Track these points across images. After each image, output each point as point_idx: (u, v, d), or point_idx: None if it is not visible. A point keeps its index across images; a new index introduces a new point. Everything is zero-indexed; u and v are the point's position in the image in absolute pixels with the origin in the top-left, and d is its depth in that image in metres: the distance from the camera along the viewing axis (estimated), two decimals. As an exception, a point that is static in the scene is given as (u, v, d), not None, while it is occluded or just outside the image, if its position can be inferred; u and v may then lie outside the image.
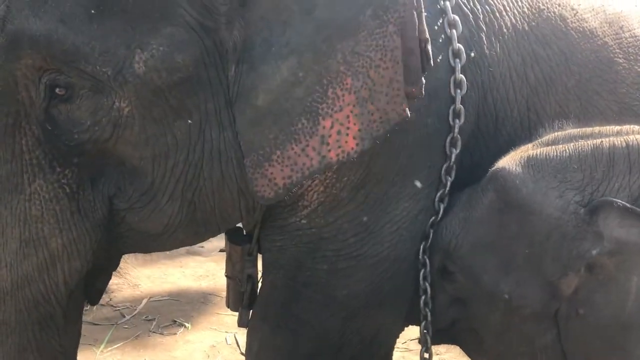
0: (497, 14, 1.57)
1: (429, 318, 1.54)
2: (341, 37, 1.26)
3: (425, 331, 1.56)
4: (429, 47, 1.33)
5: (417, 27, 1.29)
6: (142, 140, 1.30)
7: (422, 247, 1.53)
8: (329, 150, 1.29)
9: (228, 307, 1.79)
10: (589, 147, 1.39)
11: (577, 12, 1.65)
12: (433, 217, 1.53)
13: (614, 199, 1.32)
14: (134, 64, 1.25)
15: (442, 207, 1.53)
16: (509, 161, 1.44)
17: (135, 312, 3.29)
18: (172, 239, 1.44)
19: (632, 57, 1.66)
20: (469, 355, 1.69)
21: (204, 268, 3.93)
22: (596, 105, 1.63)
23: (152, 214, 1.37)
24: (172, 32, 1.26)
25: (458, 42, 1.48)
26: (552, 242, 1.36)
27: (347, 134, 1.29)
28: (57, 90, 1.27)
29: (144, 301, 3.41)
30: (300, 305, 1.54)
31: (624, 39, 1.67)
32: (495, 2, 1.57)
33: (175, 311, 3.36)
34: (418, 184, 1.50)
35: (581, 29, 1.63)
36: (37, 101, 1.27)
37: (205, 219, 1.42)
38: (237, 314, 3.26)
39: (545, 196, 1.36)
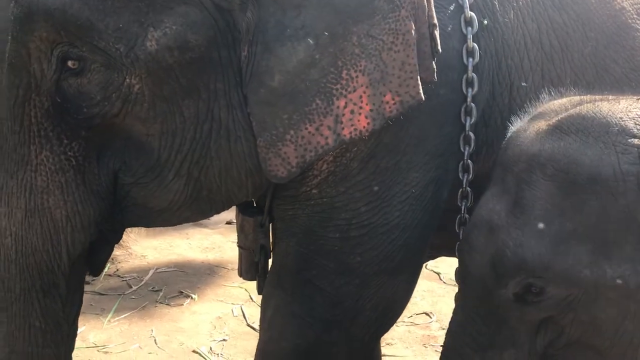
0: None
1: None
2: (357, 21, 1.29)
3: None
4: (437, 32, 1.36)
5: (427, 11, 1.32)
6: (151, 117, 1.32)
7: (457, 220, 1.56)
8: (343, 129, 1.33)
9: (240, 277, 1.81)
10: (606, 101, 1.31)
11: None
12: (460, 189, 1.54)
13: None
14: (147, 41, 1.26)
15: (466, 177, 1.53)
16: (535, 140, 1.29)
17: (142, 282, 3.31)
18: (176, 215, 1.46)
19: None
20: None
21: (209, 240, 3.95)
22: (612, 73, 1.60)
23: (157, 189, 1.38)
24: (186, 11, 1.27)
25: (470, 10, 1.46)
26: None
27: (360, 114, 1.32)
28: (68, 63, 1.28)
29: (151, 272, 3.44)
30: (314, 272, 1.55)
31: None
32: None
33: (181, 282, 3.38)
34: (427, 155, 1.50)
35: None
36: (48, 74, 1.29)
37: (210, 197, 1.43)
38: (243, 285, 3.32)
39: (610, 156, 1.21)
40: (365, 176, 1.45)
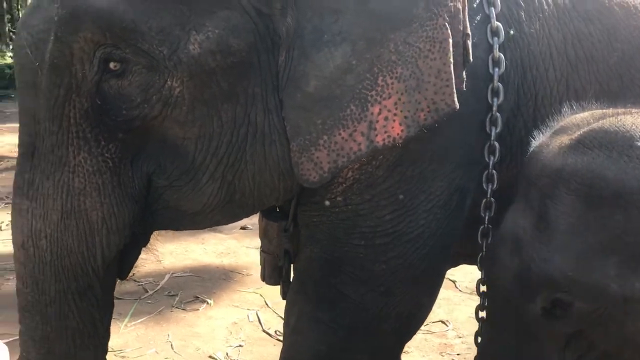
0: None
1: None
2: (394, 28, 1.29)
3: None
4: (469, 42, 1.36)
5: (462, 21, 1.32)
6: (189, 121, 1.31)
7: (480, 231, 1.54)
8: (376, 135, 1.32)
9: (263, 281, 1.81)
10: (624, 115, 1.30)
11: None
12: (484, 199, 1.53)
13: None
14: (189, 45, 1.26)
15: (490, 187, 1.52)
16: (560, 155, 1.28)
17: (158, 287, 3.33)
18: (208, 218, 1.46)
19: None
20: None
21: (224, 245, 3.96)
22: (637, 83, 1.59)
23: (191, 192, 1.38)
24: (228, 15, 1.28)
25: (497, 20, 1.46)
26: None
27: (394, 120, 1.32)
28: (110, 64, 1.28)
29: (167, 277, 3.46)
30: (339, 279, 1.54)
31: None
32: None
33: (197, 287, 3.39)
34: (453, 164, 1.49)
35: (625, 5, 1.60)
36: (89, 75, 1.28)
37: (243, 200, 1.43)
38: (258, 291, 3.31)
39: (635, 169, 1.20)
40: (390, 184, 1.45)
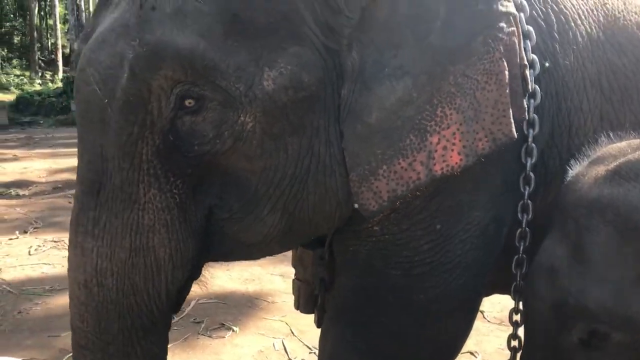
0: (572, 23, 1.56)
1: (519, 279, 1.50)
2: (454, 61, 1.31)
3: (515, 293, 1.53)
4: (527, 72, 1.38)
5: (518, 53, 1.35)
6: (257, 154, 1.32)
7: (514, 261, 1.54)
8: (435, 164, 1.34)
9: (297, 309, 1.81)
10: None
11: None
12: (519, 229, 1.53)
13: None
14: (264, 81, 1.28)
15: (525, 217, 1.53)
16: (595, 185, 1.30)
17: (184, 314, 3.34)
18: (265, 249, 1.46)
19: None
20: None
21: (249, 272, 3.97)
22: None
23: (252, 224, 1.38)
24: (299, 51, 1.29)
25: (532, 52, 1.47)
26: None
27: (453, 150, 1.33)
28: (186, 101, 1.28)
29: (192, 303, 3.46)
30: (376, 308, 1.54)
31: None
32: (570, 11, 1.57)
33: (222, 314, 3.40)
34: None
35: None
36: (165, 112, 1.28)
37: (301, 229, 1.44)
38: (284, 319, 3.30)
39: None
40: (427, 214, 1.45)
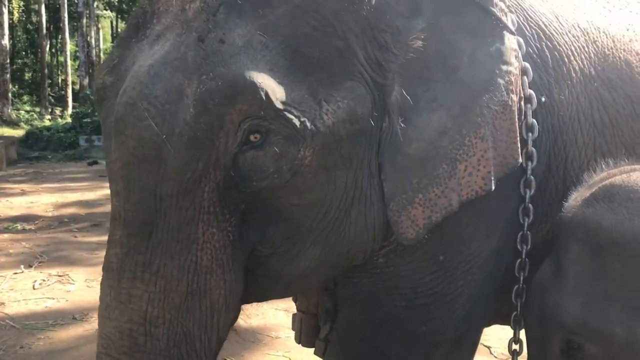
0: (566, 59, 1.62)
1: (519, 309, 1.55)
2: (480, 94, 1.40)
3: (515, 323, 1.57)
4: (525, 104, 1.48)
5: (519, 86, 1.45)
6: (308, 188, 1.31)
7: (514, 291, 1.57)
8: (462, 190, 1.40)
9: (298, 343, 1.79)
10: None
11: None
12: (519, 260, 1.56)
13: None
14: (323, 115, 1.28)
15: (525, 248, 1.55)
16: (575, 207, 1.41)
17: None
18: (303, 284, 1.44)
19: None
20: None
21: (253, 306, 3.92)
22: None
23: (294, 258, 1.35)
24: (353, 86, 1.32)
25: (529, 88, 1.51)
26: None
27: (477, 176, 1.40)
28: (252, 136, 1.25)
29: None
30: (379, 340, 1.53)
31: None
32: (564, 48, 1.62)
33: (226, 349, 3.35)
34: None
35: None
36: (230, 147, 1.24)
37: (339, 261, 1.44)
38: (288, 354, 3.26)
39: (631, 221, 1.32)
40: (431, 246, 1.47)
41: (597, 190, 1.40)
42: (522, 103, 1.47)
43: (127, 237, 1.26)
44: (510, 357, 1.64)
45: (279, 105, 1.23)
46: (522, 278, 1.56)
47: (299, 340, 1.80)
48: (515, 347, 1.62)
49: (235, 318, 1.37)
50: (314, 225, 1.34)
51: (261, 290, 1.40)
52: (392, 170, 1.38)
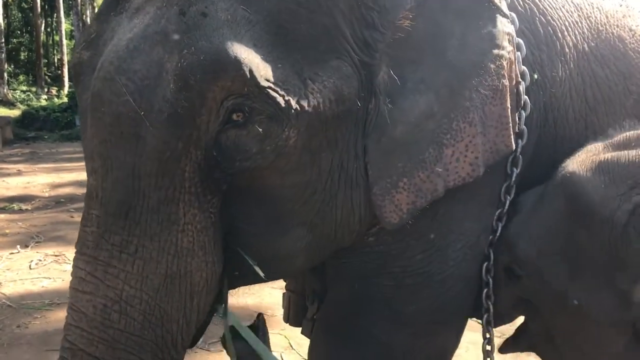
0: (560, 35, 1.59)
1: (491, 310, 1.54)
2: (469, 77, 1.36)
3: (487, 324, 1.57)
4: (522, 88, 1.44)
5: (514, 70, 1.41)
6: (292, 169, 1.27)
7: (484, 267, 1.55)
8: (448, 176, 1.37)
9: (286, 322, 1.79)
10: None
11: (635, 33, 1.67)
12: (491, 236, 1.54)
13: None
14: (309, 94, 1.24)
15: (500, 226, 1.54)
16: (580, 165, 1.42)
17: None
18: (288, 266, 1.41)
19: None
20: (543, 357, 1.67)
21: (249, 285, 3.95)
22: None
23: (277, 239, 1.32)
24: (339, 65, 1.28)
25: (522, 65, 1.48)
26: (619, 249, 1.33)
27: (465, 162, 1.37)
28: (234, 115, 1.20)
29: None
30: (366, 319, 1.52)
31: None
32: (557, 23, 1.59)
33: (222, 327, 3.36)
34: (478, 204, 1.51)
35: (639, 50, 1.65)
36: (212, 125, 1.20)
37: (324, 244, 1.41)
38: (283, 332, 3.28)
39: (615, 202, 1.33)
40: (422, 225, 1.44)
41: (604, 160, 1.39)
42: (517, 85, 1.44)
43: (104, 216, 1.21)
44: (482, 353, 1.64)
45: (263, 83, 1.18)
46: (492, 256, 1.54)
47: (287, 319, 1.79)
48: (487, 347, 1.62)
49: (215, 299, 1.33)
50: (297, 207, 1.31)
51: (249, 274, 1.34)
52: (376, 153, 1.35)
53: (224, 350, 3.23)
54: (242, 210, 1.28)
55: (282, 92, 1.21)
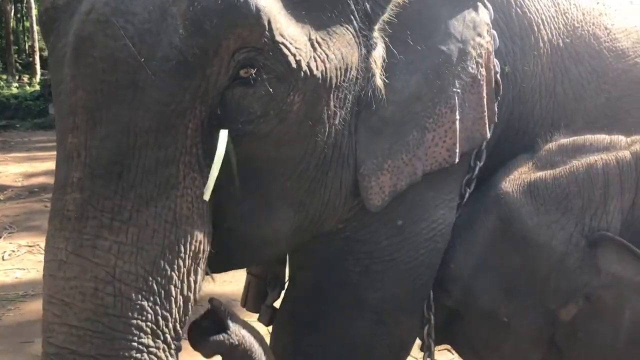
0: (535, 28, 1.59)
1: (432, 322, 1.57)
2: (455, 63, 1.37)
3: (428, 336, 1.59)
4: (499, 77, 1.45)
5: (492, 60, 1.42)
6: (289, 140, 1.20)
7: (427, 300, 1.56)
8: (427, 160, 1.38)
9: (243, 307, 1.73)
10: (584, 169, 1.43)
11: (610, 32, 1.69)
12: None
13: (613, 235, 1.36)
14: (317, 57, 1.18)
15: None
16: (512, 186, 1.46)
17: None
18: (272, 248, 1.35)
19: None
20: None
21: (227, 273, 3.94)
22: (624, 123, 1.65)
23: (264, 218, 1.25)
24: (344, 32, 1.24)
25: (495, 57, 1.49)
26: (553, 274, 1.40)
27: (443, 147, 1.39)
28: (242, 71, 1.11)
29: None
30: (329, 306, 1.50)
31: None
32: (534, 16, 1.60)
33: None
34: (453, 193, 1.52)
35: (614, 49, 1.67)
36: (221, 79, 1.10)
37: (309, 226, 1.36)
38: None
39: (549, 230, 1.40)
40: (389, 210, 1.43)
41: (535, 183, 1.44)
42: (495, 75, 1.45)
43: (90, 178, 1.07)
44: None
45: (278, 38, 1.11)
46: None
47: (244, 303, 1.72)
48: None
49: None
50: (289, 184, 1.24)
51: (228, 257, 1.28)
52: (365, 132, 1.33)
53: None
54: (231, 187, 1.19)
55: (294, 51, 1.14)
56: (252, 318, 3.31)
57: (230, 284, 3.83)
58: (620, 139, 1.49)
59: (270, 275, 1.65)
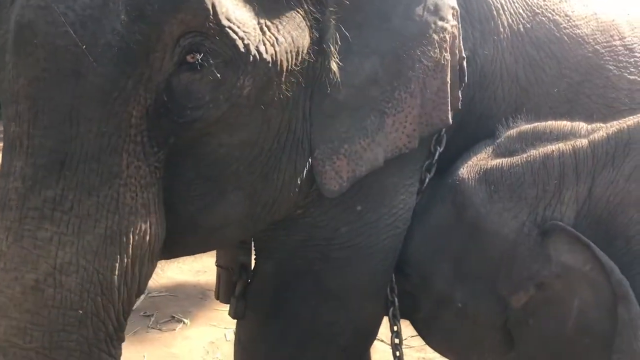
0: (495, 13, 1.59)
1: (397, 304, 1.59)
2: (414, 46, 1.36)
3: (394, 317, 1.61)
4: (465, 63, 1.44)
5: (458, 45, 1.40)
6: (242, 125, 1.20)
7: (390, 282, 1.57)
8: (387, 146, 1.37)
9: (217, 299, 1.75)
10: (541, 158, 1.45)
11: (570, 19, 1.70)
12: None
13: (565, 226, 1.38)
14: (266, 41, 1.17)
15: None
16: (468, 172, 1.48)
17: (133, 307, 3.29)
18: (222, 235, 1.34)
19: (622, 65, 1.71)
20: (426, 343, 1.73)
21: (201, 263, 3.94)
22: (586, 107, 1.67)
23: (214, 203, 1.23)
24: (294, 16, 1.23)
25: None
26: (505, 262, 1.42)
27: (403, 132, 1.38)
28: (189, 56, 1.10)
29: (142, 297, 3.38)
30: (292, 293, 1.51)
31: (614, 46, 1.72)
32: (493, 1, 1.59)
33: (173, 307, 3.38)
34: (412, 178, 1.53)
35: (574, 35, 1.68)
36: (166, 65, 1.09)
37: (260, 213, 1.35)
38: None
39: (501, 218, 1.41)
40: (348, 196, 1.42)
41: (490, 171, 1.45)
42: (461, 61, 1.44)
43: (32, 167, 1.07)
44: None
45: (224, 22, 1.11)
46: None
47: (217, 295, 1.73)
48: (396, 340, 1.65)
49: (154, 269, 1.24)
50: (241, 169, 1.24)
51: (177, 243, 1.25)
52: (319, 115, 1.32)
53: (175, 330, 3.25)
54: (182, 171, 1.19)
55: (242, 35, 1.14)
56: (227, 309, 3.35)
57: (205, 273, 3.84)
58: (581, 126, 1.51)
59: (236, 266, 1.65)
